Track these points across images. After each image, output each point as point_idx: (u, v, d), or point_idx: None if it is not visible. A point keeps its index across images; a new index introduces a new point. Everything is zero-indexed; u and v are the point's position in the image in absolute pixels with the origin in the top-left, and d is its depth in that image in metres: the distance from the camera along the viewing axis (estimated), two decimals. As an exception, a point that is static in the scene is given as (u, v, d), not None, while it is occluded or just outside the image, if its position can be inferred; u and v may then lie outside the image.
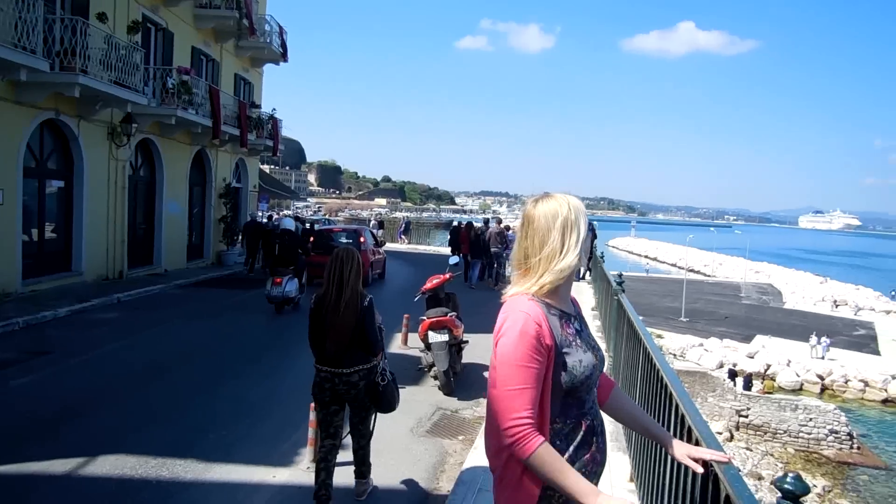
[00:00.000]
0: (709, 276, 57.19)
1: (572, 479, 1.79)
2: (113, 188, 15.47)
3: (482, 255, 18.88)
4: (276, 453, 5.83)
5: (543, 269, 1.94)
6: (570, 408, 1.94)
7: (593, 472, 1.95)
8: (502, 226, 20.03)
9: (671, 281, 37.30)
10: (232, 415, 6.86)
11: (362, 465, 4.93)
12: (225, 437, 6.17)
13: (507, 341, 1.86)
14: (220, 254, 20.83)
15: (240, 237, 20.86)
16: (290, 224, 14.34)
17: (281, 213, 32.74)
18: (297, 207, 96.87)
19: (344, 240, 16.63)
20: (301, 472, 5.44)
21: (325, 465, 4.56)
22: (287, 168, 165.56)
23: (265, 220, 21.02)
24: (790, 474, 1.61)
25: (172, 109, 16.12)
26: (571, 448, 1.91)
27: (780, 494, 1.60)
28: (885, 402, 23.00)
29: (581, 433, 1.95)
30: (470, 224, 21.53)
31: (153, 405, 7.06)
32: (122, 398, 7.24)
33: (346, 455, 5.06)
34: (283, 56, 23.87)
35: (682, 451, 2.08)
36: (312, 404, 5.30)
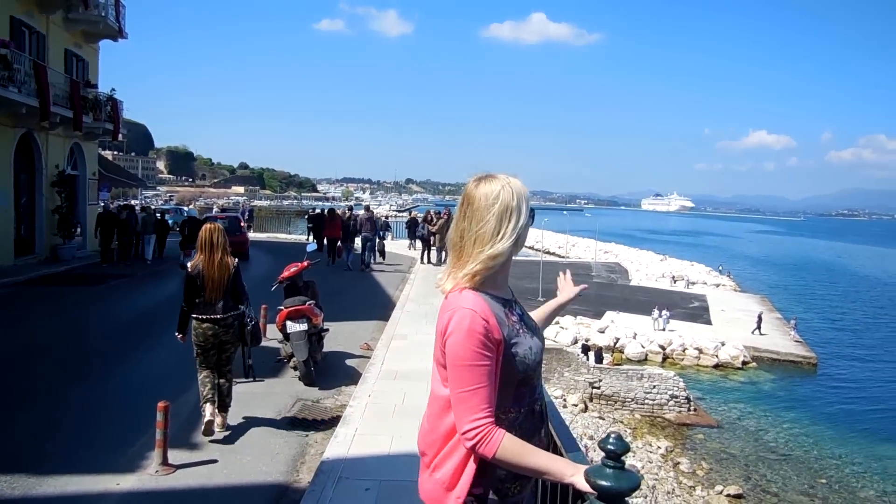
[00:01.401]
0: (563, 257, 60.37)
1: (544, 459, 1.76)
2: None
3: (353, 239, 19.67)
4: (122, 459, 5.41)
5: (475, 254, 1.86)
6: (523, 396, 1.90)
7: None
8: (370, 212, 20.83)
9: (529, 263, 38.96)
10: (71, 421, 6.29)
11: (227, 397, 5.98)
12: (62, 446, 5.64)
13: (455, 341, 1.77)
14: (55, 248, 18.99)
15: (96, 229, 19.11)
16: (193, 212, 14.15)
17: (144, 203, 30.45)
18: (145, 196, 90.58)
19: (226, 225, 17.19)
20: (149, 476, 5.08)
21: (212, 394, 5.78)
22: (133, 154, 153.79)
23: (118, 210, 20.24)
24: (612, 435, 1.70)
25: (-11, 87, 14.41)
26: (525, 437, 1.85)
27: (603, 454, 1.69)
28: (716, 366, 25.57)
29: (533, 420, 1.92)
30: (332, 210, 22.23)
31: (-27, 417, 6.31)
32: (-67, 412, 6.41)
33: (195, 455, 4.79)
34: (121, 32, 22.07)
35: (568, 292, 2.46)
36: (160, 404, 5.03)
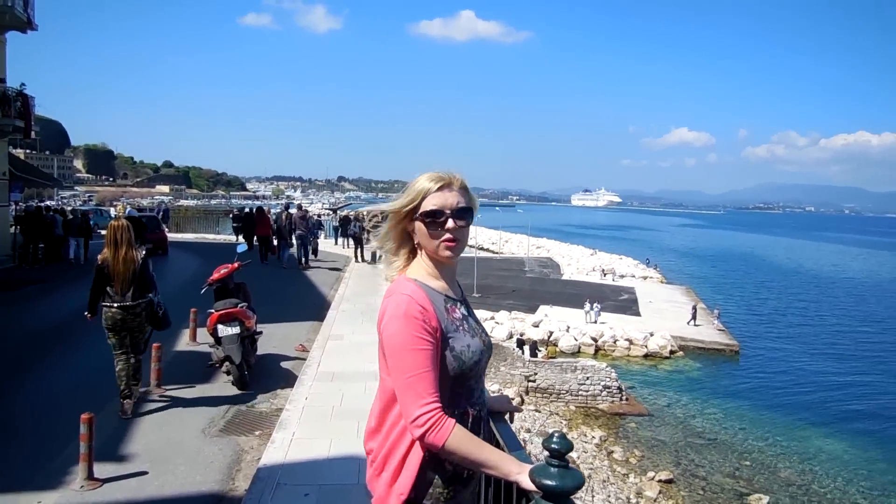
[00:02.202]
0: (496, 252, 61.08)
1: (493, 455, 1.73)
2: None
3: (289, 238, 19.63)
4: (42, 474, 5.12)
5: None
6: (458, 397, 1.85)
7: None
8: (303, 211, 21.09)
9: (464, 259, 39.10)
10: (-17, 437, 5.91)
11: (136, 374, 6.44)
12: (-25, 464, 5.30)
13: (392, 328, 1.75)
14: (-39, 252, 17.83)
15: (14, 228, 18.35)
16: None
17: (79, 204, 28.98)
18: (62, 197, 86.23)
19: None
20: (73, 492, 4.82)
21: (125, 372, 6.30)
22: (48, 153, 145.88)
23: (44, 212, 19.77)
24: (555, 434, 1.70)
25: None
26: None
27: (547, 454, 1.68)
28: (646, 356, 26.39)
29: (469, 423, 1.87)
30: (261, 209, 22.51)
31: None
32: None
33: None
34: (31, 23, 20.87)
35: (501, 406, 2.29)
36: (84, 415, 4.78)
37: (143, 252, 6.48)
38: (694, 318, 30.07)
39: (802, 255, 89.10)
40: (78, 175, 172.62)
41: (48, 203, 42.69)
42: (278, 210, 25.21)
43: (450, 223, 1.84)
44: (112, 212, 37.48)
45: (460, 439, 1.71)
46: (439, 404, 1.72)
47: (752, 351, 28.90)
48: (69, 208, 25.19)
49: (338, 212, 31.74)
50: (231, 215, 30.31)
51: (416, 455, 1.80)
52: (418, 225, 1.88)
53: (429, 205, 1.85)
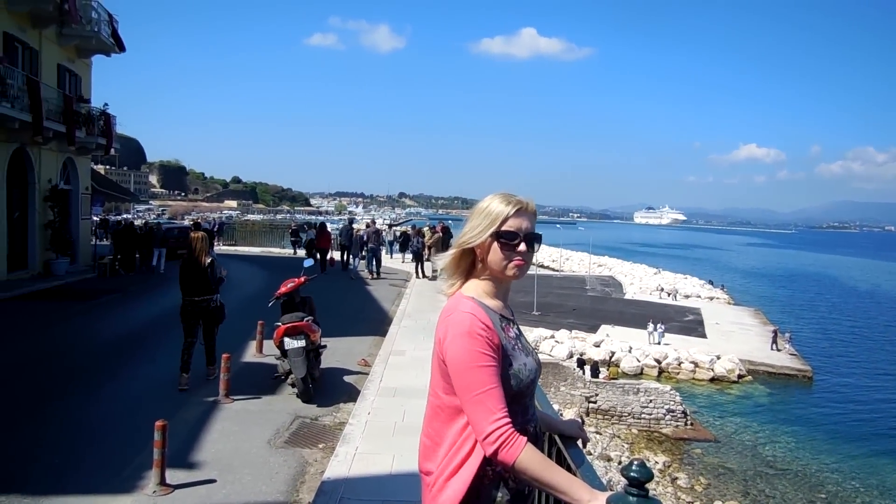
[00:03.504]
0: (557, 270, 60.47)
1: (564, 478, 1.69)
2: None
3: (361, 250, 21.07)
4: (117, 479, 5.30)
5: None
6: (515, 415, 1.82)
7: None
8: (376, 226, 22.77)
9: (524, 277, 38.99)
10: (64, 439, 6.18)
11: (211, 354, 8.23)
12: (56, 465, 5.53)
13: (458, 346, 1.76)
14: (47, 263, 18.82)
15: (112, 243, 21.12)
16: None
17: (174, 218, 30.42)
18: (137, 211, 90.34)
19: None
20: (146, 497, 4.97)
21: (187, 355, 7.82)
22: (125, 169, 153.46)
23: (139, 225, 22.49)
24: (635, 462, 1.64)
25: (-18, 102, 14.34)
26: None
27: (626, 482, 1.63)
28: (712, 380, 25.53)
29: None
30: (323, 224, 24.05)
31: (-36, 437, 6.18)
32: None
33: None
34: (116, 47, 22.04)
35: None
36: (158, 422, 4.94)
37: (211, 258, 7.94)
38: (774, 342, 28.92)
39: (880, 276, 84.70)
40: (153, 190, 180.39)
41: (126, 216, 44.73)
42: (342, 225, 26.53)
43: (522, 247, 1.88)
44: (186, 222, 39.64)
45: (531, 458, 1.68)
46: (510, 420, 1.71)
47: (826, 377, 27.59)
48: (140, 222, 27.17)
49: (393, 227, 32.60)
50: (290, 230, 31.39)
51: (479, 473, 1.78)
52: (492, 245, 1.90)
53: (506, 227, 1.89)
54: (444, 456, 1.85)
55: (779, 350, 28.54)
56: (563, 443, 2.18)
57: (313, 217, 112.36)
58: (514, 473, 1.72)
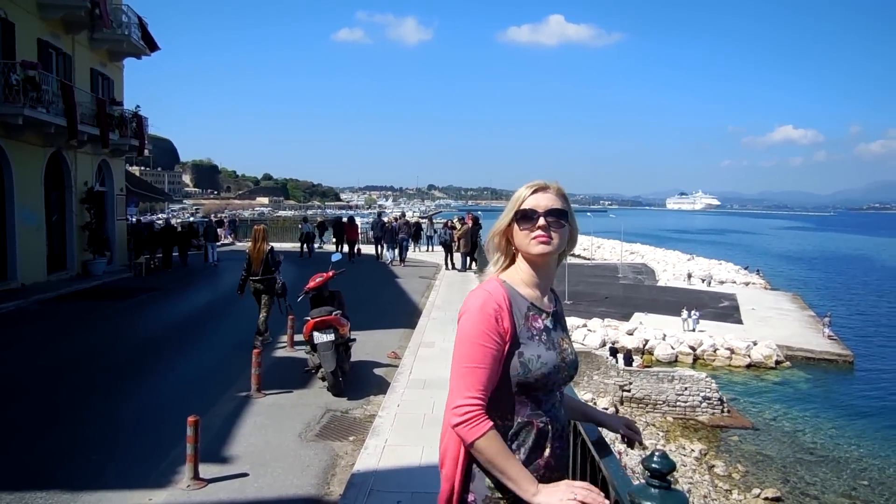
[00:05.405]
0: (588, 259, 59.97)
1: (515, 469, 1.72)
2: (-48, 197, 13.90)
3: (393, 241, 22.87)
4: (153, 474, 5.42)
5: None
6: (523, 406, 1.84)
7: (545, 477, 1.81)
8: (406, 218, 25.76)
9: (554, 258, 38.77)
10: (101, 435, 6.34)
11: (265, 323, 9.88)
12: (94, 461, 5.68)
13: (466, 318, 1.82)
14: (85, 263, 19.30)
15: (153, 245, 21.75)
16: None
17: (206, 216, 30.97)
18: (171, 210, 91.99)
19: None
20: (181, 491, 5.08)
21: (261, 321, 9.86)
22: (159, 169, 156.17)
23: (178, 223, 23.39)
24: (657, 453, 1.62)
25: (19, 108, 14.72)
26: (523, 451, 1.82)
27: (648, 473, 1.61)
28: (748, 366, 25.07)
29: (532, 436, 1.84)
30: (352, 218, 25.64)
31: (6, 432, 6.38)
32: (-31, 430, 6.50)
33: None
34: (148, 49, 22.40)
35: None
36: (190, 418, 5.03)
37: (271, 245, 10.08)
38: (827, 326, 28.21)
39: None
40: (186, 189, 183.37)
41: (161, 216, 45.59)
42: (373, 219, 27.93)
43: (541, 221, 1.89)
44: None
45: (490, 443, 1.72)
46: (483, 403, 1.74)
47: (868, 361, 26.86)
48: (176, 220, 28.35)
49: (433, 221, 32.74)
50: (317, 223, 31.79)
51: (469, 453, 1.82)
52: (514, 227, 1.94)
53: (524, 206, 1.93)
54: (445, 436, 1.89)
55: (832, 338, 27.75)
56: (626, 441, 2.22)
57: (343, 211, 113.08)
58: (473, 453, 1.76)
